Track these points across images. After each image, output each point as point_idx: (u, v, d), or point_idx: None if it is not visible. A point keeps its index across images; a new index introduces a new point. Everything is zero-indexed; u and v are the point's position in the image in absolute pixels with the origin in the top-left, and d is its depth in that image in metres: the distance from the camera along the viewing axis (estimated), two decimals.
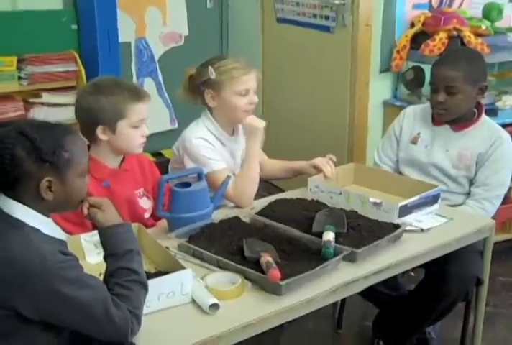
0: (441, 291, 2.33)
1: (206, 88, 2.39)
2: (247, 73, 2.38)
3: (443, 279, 2.30)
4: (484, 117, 2.57)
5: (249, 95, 2.40)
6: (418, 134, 2.60)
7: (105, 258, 1.62)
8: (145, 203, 2.25)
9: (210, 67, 2.36)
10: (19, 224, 1.50)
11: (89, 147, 2.13)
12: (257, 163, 2.40)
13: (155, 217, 2.24)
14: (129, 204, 2.19)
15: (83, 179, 1.59)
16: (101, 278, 1.59)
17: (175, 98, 3.97)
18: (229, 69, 2.36)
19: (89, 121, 2.10)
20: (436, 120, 2.57)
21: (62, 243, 1.57)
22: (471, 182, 2.54)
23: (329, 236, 1.92)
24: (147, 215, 2.24)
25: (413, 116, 2.65)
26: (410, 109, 2.70)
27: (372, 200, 2.20)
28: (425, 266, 2.24)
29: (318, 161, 2.48)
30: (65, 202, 1.57)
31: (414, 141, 2.61)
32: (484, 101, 2.76)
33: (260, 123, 2.39)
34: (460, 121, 2.53)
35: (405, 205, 2.18)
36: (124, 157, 2.21)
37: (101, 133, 2.09)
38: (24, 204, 1.52)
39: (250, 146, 2.40)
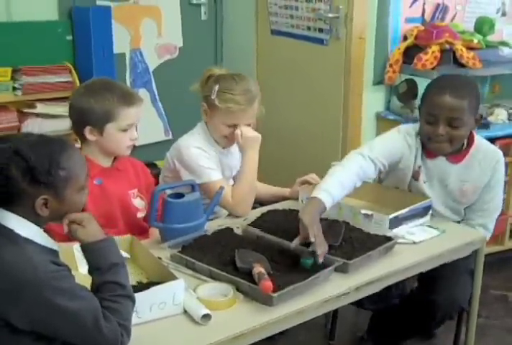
0: (426, 316, 2.36)
1: (203, 101, 2.41)
2: (243, 110, 2.35)
3: (430, 308, 2.32)
4: (476, 141, 2.36)
5: (236, 128, 2.37)
6: (419, 167, 2.37)
7: (90, 272, 1.60)
8: (139, 203, 2.27)
9: (216, 87, 2.34)
10: (11, 234, 1.50)
11: (81, 146, 2.18)
12: (254, 171, 2.41)
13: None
14: (122, 203, 2.20)
15: (81, 193, 1.59)
16: None
17: (170, 108, 4.06)
18: (229, 99, 2.33)
19: (78, 121, 2.15)
20: (429, 153, 2.35)
21: (54, 253, 1.56)
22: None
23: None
24: (140, 214, 2.25)
25: (408, 146, 2.36)
26: (408, 136, 2.37)
27: (363, 211, 2.21)
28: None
29: (300, 179, 2.53)
30: (61, 216, 1.58)
31: (416, 177, 2.38)
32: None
33: (253, 132, 2.39)
34: (454, 153, 2.34)
35: (396, 217, 2.19)
36: (115, 157, 2.23)
37: (88, 133, 2.13)
38: (18, 215, 1.52)
39: (248, 157, 2.38)
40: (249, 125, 2.41)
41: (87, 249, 1.59)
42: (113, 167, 2.22)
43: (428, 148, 2.34)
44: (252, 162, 2.39)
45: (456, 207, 2.42)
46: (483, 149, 2.39)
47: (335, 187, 2.13)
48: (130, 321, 1.54)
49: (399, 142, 2.38)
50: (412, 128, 2.40)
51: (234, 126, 2.37)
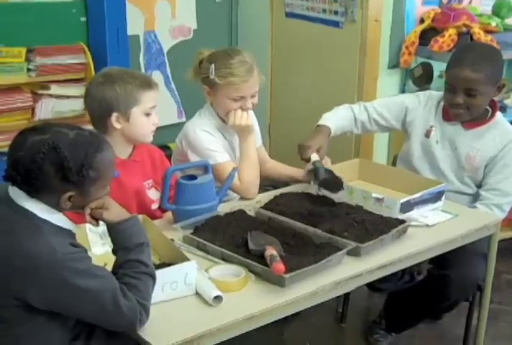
0: (440, 294, 2.36)
1: (204, 84, 2.40)
2: (246, 81, 2.34)
3: (443, 284, 2.31)
4: (498, 117, 2.48)
5: (244, 101, 2.38)
6: (431, 127, 2.51)
7: (114, 251, 1.63)
8: (153, 194, 2.26)
9: (212, 66, 2.34)
10: (30, 216, 1.51)
11: None
12: (254, 154, 2.41)
13: (162, 209, 2.25)
14: (138, 194, 2.20)
15: (104, 189, 1.61)
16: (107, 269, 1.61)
17: (183, 90, 4.05)
18: (228, 74, 2.32)
19: (103, 110, 2.11)
20: (447, 115, 2.49)
21: (72, 235, 1.58)
22: (477, 185, 2.49)
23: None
24: (154, 206, 2.25)
25: (425, 104, 2.55)
26: (428, 96, 2.57)
27: (374, 195, 2.20)
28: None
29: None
30: (82, 207, 1.60)
31: (427, 135, 2.51)
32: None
33: (247, 121, 2.37)
34: (473, 119, 2.44)
35: (408, 201, 2.17)
36: (133, 148, 2.22)
37: (115, 121, 2.10)
38: (40, 202, 1.53)
39: (244, 145, 2.39)
40: (254, 96, 2.41)
41: (114, 230, 1.62)
42: (131, 158, 2.21)
43: (450, 114, 2.47)
44: (249, 147, 2.41)
45: (460, 173, 2.48)
46: (501, 127, 2.48)
47: (334, 117, 2.56)
48: (149, 301, 1.56)
49: (405, 97, 2.65)
50: (436, 92, 2.58)
51: (241, 99, 2.37)
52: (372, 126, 2.62)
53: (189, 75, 2.47)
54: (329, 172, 2.29)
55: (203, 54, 2.42)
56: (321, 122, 2.54)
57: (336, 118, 2.57)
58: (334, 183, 2.26)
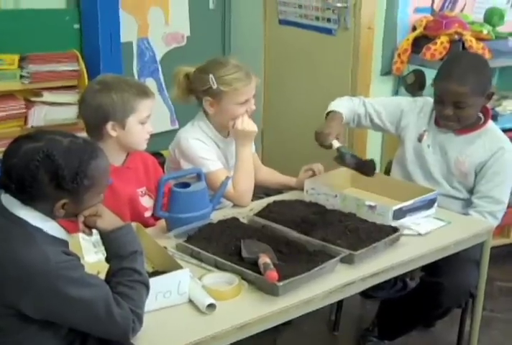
0: (433, 301, 2.36)
1: (205, 96, 2.39)
2: (248, 84, 2.36)
3: (436, 291, 2.32)
4: (489, 124, 2.50)
5: (248, 104, 2.40)
6: (424, 131, 2.53)
7: (108, 259, 1.62)
8: (147, 202, 2.26)
9: (211, 77, 2.33)
10: (23, 224, 1.51)
11: None
12: (251, 161, 2.42)
13: (155, 216, 2.24)
14: (131, 202, 2.20)
15: (98, 196, 1.61)
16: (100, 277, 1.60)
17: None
18: (231, 80, 2.33)
19: (99, 118, 2.10)
20: (438, 121, 2.51)
21: (65, 243, 1.58)
22: (468, 190, 2.50)
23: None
24: (147, 213, 2.25)
25: (419, 110, 2.57)
26: (423, 102, 2.59)
27: (367, 203, 2.20)
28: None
29: (306, 167, 2.56)
30: (75, 214, 1.60)
31: (420, 139, 2.54)
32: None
33: (253, 127, 2.39)
34: (464, 126, 2.46)
35: (400, 209, 2.17)
36: (127, 155, 2.22)
37: (110, 129, 2.10)
38: (34, 209, 1.53)
39: (242, 151, 2.40)
40: (254, 97, 2.42)
41: (108, 238, 1.61)
42: (124, 165, 2.21)
43: (441, 123, 2.49)
44: (247, 153, 2.41)
45: (450, 178, 2.50)
46: (492, 133, 2.49)
47: (342, 104, 2.59)
48: (143, 309, 1.56)
49: (403, 99, 2.69)
50: (432, 99, 2.55)
51: (246, 102, 2.38)
52: (367, 121, 2.63)
53: (174, 94, 2.47)
54: (355, 156, 2.31)
55: (183, 70, 2.42)
56: (331, 109, 2.54)
57: (343, 106, 2.59)
58: (368, 166, 2.29)
